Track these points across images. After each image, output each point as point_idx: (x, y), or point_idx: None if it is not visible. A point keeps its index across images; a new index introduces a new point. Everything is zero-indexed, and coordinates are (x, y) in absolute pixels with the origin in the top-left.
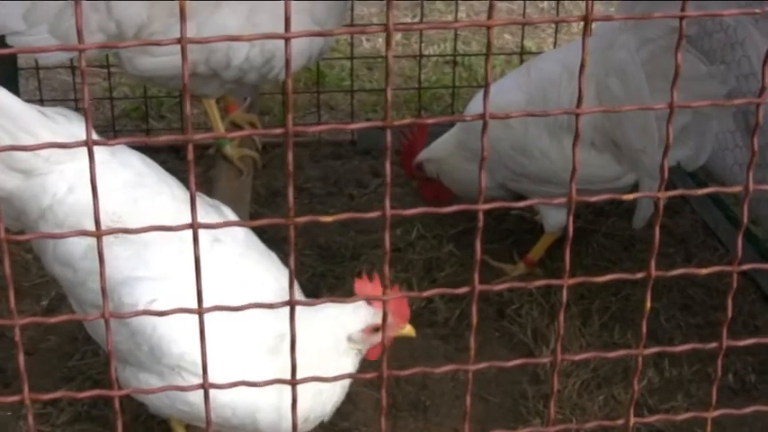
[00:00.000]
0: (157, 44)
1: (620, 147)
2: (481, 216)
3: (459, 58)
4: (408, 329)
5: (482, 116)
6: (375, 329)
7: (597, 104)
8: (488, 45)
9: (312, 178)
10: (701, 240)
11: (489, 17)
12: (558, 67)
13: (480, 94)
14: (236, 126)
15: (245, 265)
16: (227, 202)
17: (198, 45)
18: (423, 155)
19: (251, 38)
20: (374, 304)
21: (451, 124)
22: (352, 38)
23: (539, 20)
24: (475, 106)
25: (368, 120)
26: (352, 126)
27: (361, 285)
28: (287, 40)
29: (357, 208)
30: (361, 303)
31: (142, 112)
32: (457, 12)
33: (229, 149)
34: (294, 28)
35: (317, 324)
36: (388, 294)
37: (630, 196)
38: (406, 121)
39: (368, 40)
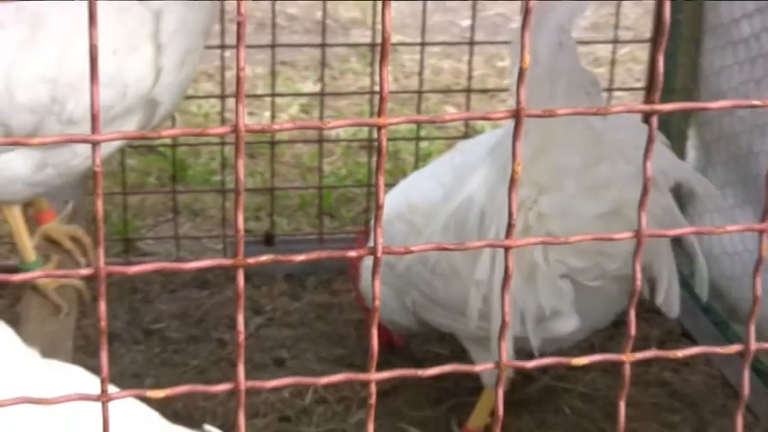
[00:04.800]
0: None
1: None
2: (373, 389)
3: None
4: None
5: (372, 251)
6: None
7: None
8: None
9: (166, 316)
10: (720, 404)
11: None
12: (484, 150)
13: (396, 190)
14: (50, 242)
15: None
16: (41, 351)
17: None
18: (365, 267)
19: None
20: None
21: None
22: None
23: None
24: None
25: (248, 232)
26: (191, 266)
27: None
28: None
29: (230, 358)
30: None
31: None
32: (374, 72)
33: None
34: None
35: None
36: None
37: None
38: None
39: (251, 113)
